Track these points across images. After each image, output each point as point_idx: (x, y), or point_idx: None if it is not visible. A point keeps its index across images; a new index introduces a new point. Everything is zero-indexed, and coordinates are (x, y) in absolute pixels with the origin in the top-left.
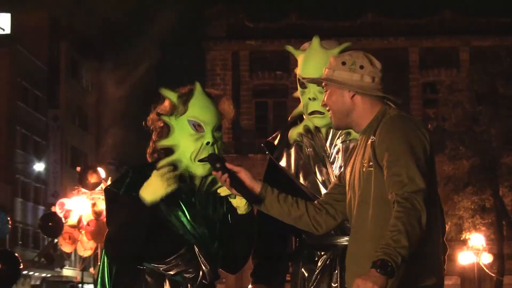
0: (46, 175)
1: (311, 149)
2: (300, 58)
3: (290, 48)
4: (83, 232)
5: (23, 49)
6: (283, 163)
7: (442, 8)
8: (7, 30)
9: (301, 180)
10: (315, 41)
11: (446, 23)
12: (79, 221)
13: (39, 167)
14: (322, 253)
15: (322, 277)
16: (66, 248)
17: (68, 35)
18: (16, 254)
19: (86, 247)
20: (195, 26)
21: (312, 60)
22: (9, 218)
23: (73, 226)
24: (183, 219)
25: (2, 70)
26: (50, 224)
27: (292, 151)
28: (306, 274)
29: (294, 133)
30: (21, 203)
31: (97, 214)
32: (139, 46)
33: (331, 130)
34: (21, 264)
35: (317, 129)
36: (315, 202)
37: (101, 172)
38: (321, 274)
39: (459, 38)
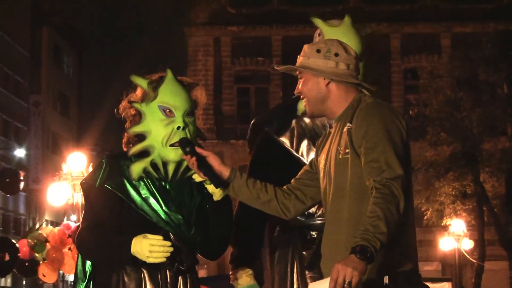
0: (27, 161)
1: (313, 124)
2: (328, 32)
3: (317, 20)
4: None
5: (4, 34)
6: (284, 137)
7: None
8: None
9: (301, 156)
10: (347, 19)
11: (427, 9)
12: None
13: (20, 153)
14: (315, 233)
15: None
16: (50, 279)
17: (50, 21)
18: (14, 241)
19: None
20: (177, 11)
21: (344, 38)
22: None
23: (41, 259)
24: (156, 207)
25: None
26: (26, 264)
27: (295, 125)
28: (299, 255)
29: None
30: None
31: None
32: (121, 32)
33: None
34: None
35: None
36: (284, 187)
37: (83, 158)
38: (317, 255)
39: (441, 24)
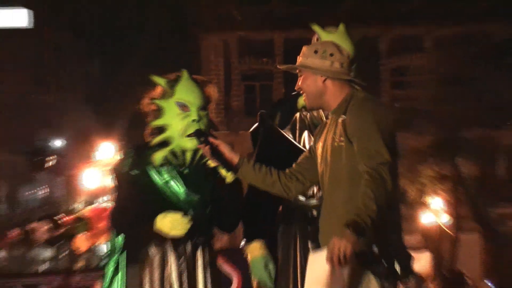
0: (64, 150)
1: (311, 117)
2: (325, 38)
3: (315, 27)
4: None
5: (38, 38)
6: (287, 129)
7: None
8: (24, 23)
9: (302, 145)
10: (342, 26)
11: (413, 13)
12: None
13: (58, 143)
14: (315, 212)
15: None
16: (84, 249)
17: (77, 25)
18: (58, 217)
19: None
20: (188, 17)
21: (339, 42)
22: None
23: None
24: (176, 189)
25: (20, 57)
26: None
27: (296, 119)
28: (301, 230)
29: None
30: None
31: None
32: (138, 38)
33: None
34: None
35: None
36: (286, 171)
37: (112, 147)
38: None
39: (425, 27)
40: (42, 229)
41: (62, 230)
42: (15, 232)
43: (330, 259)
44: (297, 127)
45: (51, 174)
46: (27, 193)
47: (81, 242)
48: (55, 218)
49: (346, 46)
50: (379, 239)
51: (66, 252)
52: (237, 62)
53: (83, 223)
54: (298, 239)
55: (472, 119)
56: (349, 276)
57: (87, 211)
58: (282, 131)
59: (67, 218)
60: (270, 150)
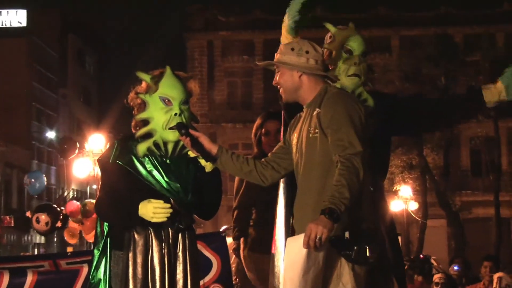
0: (57, 142)
1: None
2: (338, 33)
3: (329, 25)
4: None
5: (38, 39)
6: None
7: (377, 5)
8: (24, 24)
9: None
10: (351, 24)
11: (380, 17)
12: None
13: (51, 135)
14: None
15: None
16: (72, 240)
17: (74, 28)
18: (54, 205)
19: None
20: (177, 20)
21: (351, 37)
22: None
23: (77, 221)
24: (159, 177)
25: (20, 56)
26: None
27: None
28: None
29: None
30: (37, 164)
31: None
32: (132, 37)
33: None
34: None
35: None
36: (262, 160)
37: (102, 139)
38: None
39: (391, 29)
40: (42, 218)
41: (59, 224)
42: (10, 218)
43: (307, 244)
44: None
45: (46, 163)
46: (25, 180)
47: (75, 233)
48: (55, 207)
49: (358, 39)
50: (351, 225)
51: (58, 239)
52: (220, 60)
53: (87, 211)
54: None
55: None
56: (323, 260)
57: (87, 203)
58: None
59: (67, 209)
60: None
